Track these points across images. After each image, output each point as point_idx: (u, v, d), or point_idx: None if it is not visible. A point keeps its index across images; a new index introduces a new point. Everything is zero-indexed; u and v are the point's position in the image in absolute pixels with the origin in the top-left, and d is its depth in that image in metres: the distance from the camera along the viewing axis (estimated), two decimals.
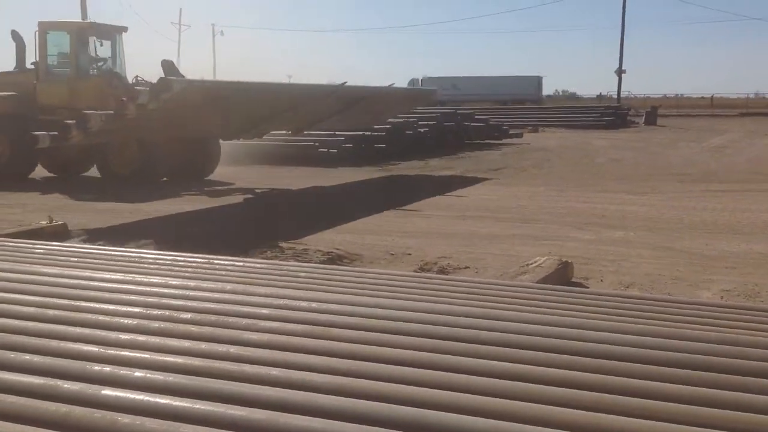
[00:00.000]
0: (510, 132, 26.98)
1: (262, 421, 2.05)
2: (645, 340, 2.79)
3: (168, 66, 14.49)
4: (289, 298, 3.24)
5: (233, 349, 2.62)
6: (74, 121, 9.29)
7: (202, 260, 4.50)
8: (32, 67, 15.54)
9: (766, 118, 50.55)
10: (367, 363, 2.47)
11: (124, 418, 2.01)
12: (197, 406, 2.12)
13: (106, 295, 3.37)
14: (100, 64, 15.54)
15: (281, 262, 5.05)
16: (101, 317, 2.97)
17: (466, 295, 3.72)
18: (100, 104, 14.36)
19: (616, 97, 55.69)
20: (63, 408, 2.08)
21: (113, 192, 12.65)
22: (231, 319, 2.96)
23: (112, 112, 9.56)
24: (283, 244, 7.83)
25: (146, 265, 4.23)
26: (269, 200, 12.75)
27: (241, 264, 4.31)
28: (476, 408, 2.13)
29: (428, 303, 3.30)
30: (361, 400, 2.20)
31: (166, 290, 3.47)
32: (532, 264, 6.35)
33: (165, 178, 14.40)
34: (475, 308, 3.28)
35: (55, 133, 9.43)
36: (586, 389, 2.29)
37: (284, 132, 16.98)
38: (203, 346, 2.66)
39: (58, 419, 2.03)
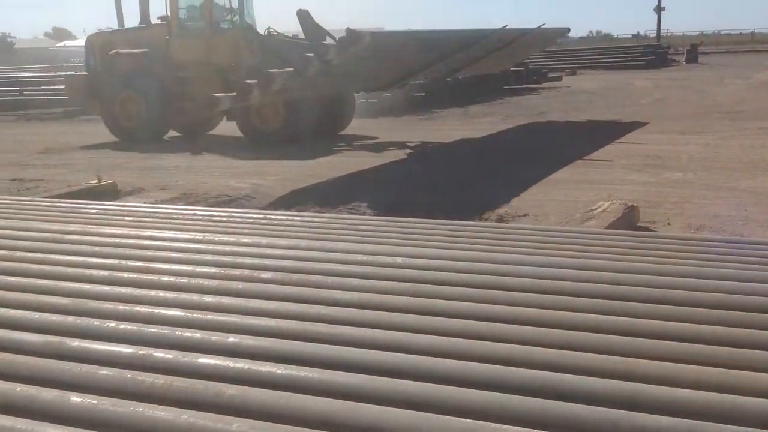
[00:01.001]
0: (549, 75, 26.41)
1: (372, 388, 1.91)
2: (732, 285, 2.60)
3: (304, 16, 13.48)
4: (369, 254, 3.08)
5: (324, 310, 2.48)
6: (255, 81, 8.81)
7: (260, 215, 4.37)
8: (159, 21, 14.98)
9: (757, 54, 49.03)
10: (473, 322, 2.30)
11: (229, 389, 1.87)
12: (302, 374, 1.97)
13: (178, 255, 3.24)
14: (232, 16, 14.72)
15: (348, 216, 4.89)
16: (180, 279, 2.84)
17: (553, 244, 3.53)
18: (237, 59, 14.07)
19: (653, 36, 54.22)
20: (160, 379, 1.94)
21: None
22: (314, 278, 2.82)
23: (291, 69, 9.09)
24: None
25: (211, 223, 4.10)
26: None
27: (309, 219, 4.16)
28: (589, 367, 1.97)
29: (533, 256, 3.12)
30: (471, 363, 2.05)
31: (239, 248, 3.33)
32: (596, 209, 6.14)
33: (306, 135, 13.63)
34: (575, 259, 3.11)
35: (234, 93, 9.01)
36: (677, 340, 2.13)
37: None
38: (293, 307, 2.52)
39: (158, 392, 1.89)
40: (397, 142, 12.78)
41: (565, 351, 2.07)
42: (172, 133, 15.19)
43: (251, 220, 4.18)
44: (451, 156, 11.50)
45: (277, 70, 8.93)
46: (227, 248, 3.34)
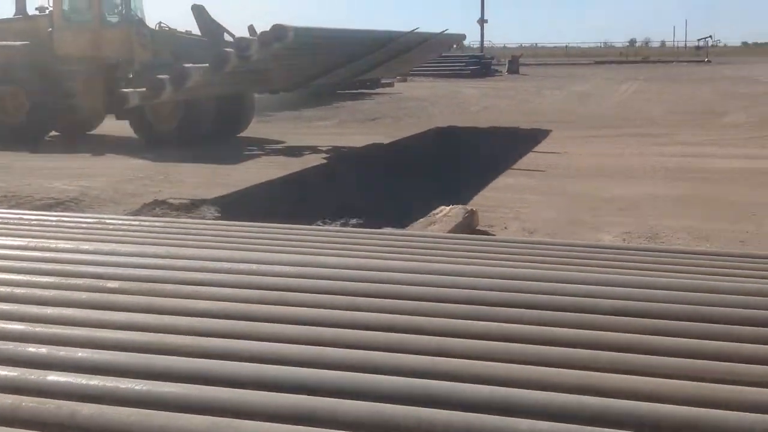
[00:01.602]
0: (383, 81, 26.87)
1: (241, 401, 1.82)
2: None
3: (200, 11, 13.28)
4: (225, 260, 2.97)
5: (179, 321, 2.35)
6: (168, 76, 8.09)
7: (121, 221, 4.12)
8: (37, 12, 13.94)
9: (618, 65, 53.03)
10: (329, 329, 2.27)
11: (85, 408, 1.73)
12: (163, 389, 1.85)
13: (10, 263, 2.98)
14: (121, 9, 13.90)
15: (209, 221, 4.70)
16: (17, 290, 2.60)
17: (393, 247, 3.55)
18: (127, 54, 13.30)
19: (477, 47, 56.52)
20: (8, 399, 1.76)
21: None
22: (168, 287, 2.67)
23: (207, 65, 8.40)
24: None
25: (43, 228, 3.81)
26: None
27: (159, 224, 3.96)
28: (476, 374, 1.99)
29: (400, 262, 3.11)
30: (334, 371, 2.01)
31: (79, 255, 3.11)
32: (438, 214, 6.28)
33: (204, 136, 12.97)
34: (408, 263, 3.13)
35: (144, 89, 8.21)
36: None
37: None
38: (146, 318, 2.37)
39: (7, 413, 1.71)
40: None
41: (437, 358, 2.07)
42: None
43: (86, 225, 3.92)
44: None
45: (191, 65, 8.35)
46: (66, 255, 3.11)
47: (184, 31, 13.82)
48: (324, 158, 11.47)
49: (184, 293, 2.59)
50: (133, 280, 2.76)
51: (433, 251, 3.62)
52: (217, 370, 2.00)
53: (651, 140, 12.50)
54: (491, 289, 2.62)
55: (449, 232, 5.73)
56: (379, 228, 4.86)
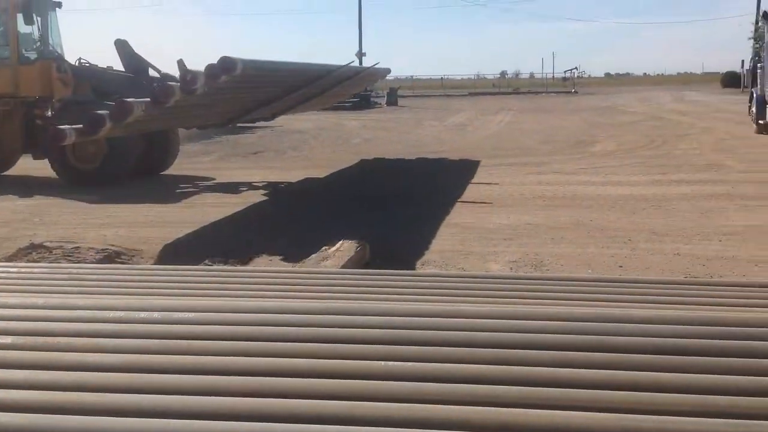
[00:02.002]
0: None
1: None
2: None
3: (123, 46, 12.72)
4: (123, 309, 2.85)
5: (74, 376, 2.25)
6: (108, 112, 7.57)
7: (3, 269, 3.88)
8: None
9: (492, 97, 54.89)
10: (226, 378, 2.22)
11: None
12: None
13: None
14: (40, 45, 13.15)
15: (100, 266, 4.49)
16: None
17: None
18: (47, 91, 12.70)
19: None
20: None
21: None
22: (62, 341, 2.54)
23: (148, 99, 7.87)
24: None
25: None
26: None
27: (53, 271, 3.77)
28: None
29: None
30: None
31: None
32: (331, 249, 6.28)
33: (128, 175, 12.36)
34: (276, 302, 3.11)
35: (80, 126, 7.64)
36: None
37: None
38: (40, 375, 2.25)
39: None
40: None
41: (329, 402, 2.06)
42: None
43: None
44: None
45: (133, 99, 7.90)
46: None
47: (105, 66, 13.38)
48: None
49: (82, 346, 2.48)
50: (28, 335, 2.62)
51: (328, 287, 3.62)
52: (118, 427, 1.93)
53: (528, 169, 12.96)
54: (378, 327, 2.62)
55: (342, 266, 5.76)
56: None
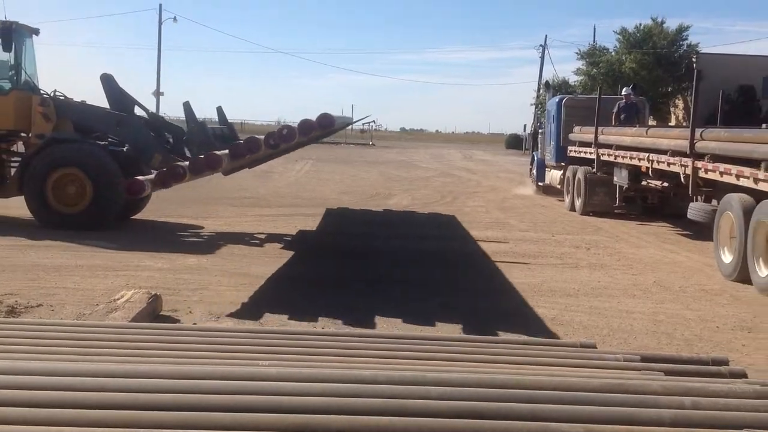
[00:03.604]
0: None
1: None
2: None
3: (109, 81, 11.61)
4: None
5: None
6: (188, 164, 7.63)
7: None
8: None
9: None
10: None
11: None
12: None
13: None
14: (13, 74, 11.52)
15: None
16: None
17: None
18: (24, 124, 11.36)
19: None
20: None
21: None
22: None
23: (228, 152, 8.16)
24: None
25: None
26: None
27: None
28: None
29: None
30: None
31: None
32: (120, 299, 5.97)
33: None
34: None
35: (154, 177, 7.66)
36: None
37: None
38: None
39: None
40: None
41: None
42: None
43: None
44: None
45: (221, 153, 8.03)
46: None
47: (79, 101, 12.05)
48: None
49: None
50: None
51: (116, 344, 3.44)
52: None
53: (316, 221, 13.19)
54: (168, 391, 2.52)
55: (132, 319, 5.47)
56: None
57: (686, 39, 38.44)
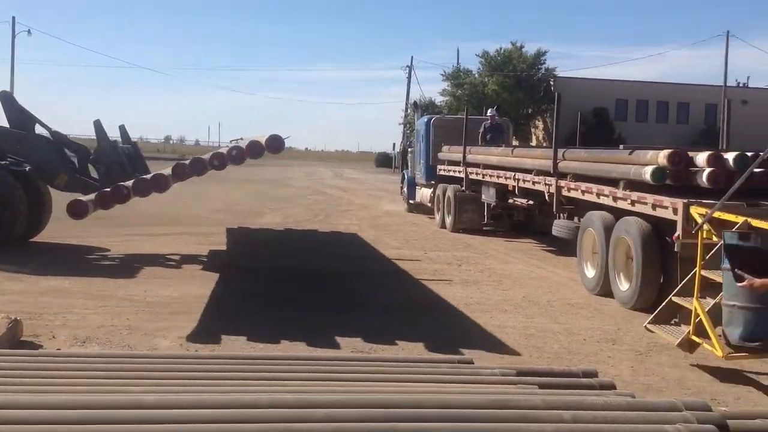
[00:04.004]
0: None
1: None
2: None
3: (8, 99, 10.89)
4: None
5: None
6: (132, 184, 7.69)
7: None
8: None
9: (164, 161, 53.58)
10: None
11: None
12: None
13: None
14: None
15: None
16: None
17: None
18: None
19: None
20: None
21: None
22: None
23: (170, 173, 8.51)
24: None
25: None
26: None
27: None
28: None
29: None
30: None
31: None
32: None
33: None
34: None
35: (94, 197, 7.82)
36: None
37: None
38: None
39: None
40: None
41: None
42: None
43: None
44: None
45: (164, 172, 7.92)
46: None
47: None
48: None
49: None
50: None
51: None
52: None
53: (204, 239, 12.88)
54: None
55: None
56: None
57: (544, 63, 40.35)
